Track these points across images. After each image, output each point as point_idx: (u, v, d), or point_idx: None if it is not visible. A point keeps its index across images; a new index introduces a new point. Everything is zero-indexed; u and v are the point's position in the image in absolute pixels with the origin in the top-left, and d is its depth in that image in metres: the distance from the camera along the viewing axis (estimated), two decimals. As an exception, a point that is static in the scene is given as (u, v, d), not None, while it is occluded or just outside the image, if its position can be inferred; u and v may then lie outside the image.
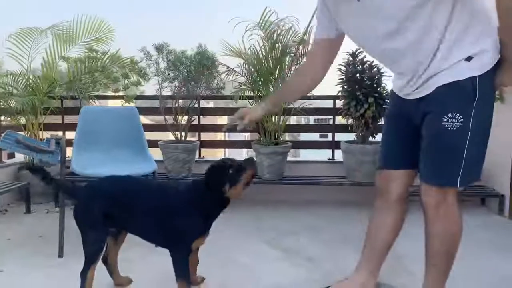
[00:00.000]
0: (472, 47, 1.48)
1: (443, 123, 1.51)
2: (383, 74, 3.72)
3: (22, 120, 4.07)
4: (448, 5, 1.44)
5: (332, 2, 1.66)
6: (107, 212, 1.83)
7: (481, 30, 1.48)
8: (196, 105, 4.20)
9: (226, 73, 4.13)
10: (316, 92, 4.18)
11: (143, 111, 4.54)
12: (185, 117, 4.10)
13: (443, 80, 1.51)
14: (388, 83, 3.75)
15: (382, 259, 1.93)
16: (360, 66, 3.75)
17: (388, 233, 1.89)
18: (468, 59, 1.47)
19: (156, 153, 3.41)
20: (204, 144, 4.45)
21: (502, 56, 1.50)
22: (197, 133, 4.47)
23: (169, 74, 3.96)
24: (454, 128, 1.50)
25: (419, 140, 1.66)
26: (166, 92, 4.09)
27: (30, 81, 4.05)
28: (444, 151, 1.56)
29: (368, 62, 3.74)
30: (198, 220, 1.85)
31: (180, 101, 4.10)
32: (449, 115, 1.50)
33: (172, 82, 4.00)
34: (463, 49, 1.48)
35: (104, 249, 1.92)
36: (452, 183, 1.57)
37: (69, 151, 3.03)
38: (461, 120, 1.49)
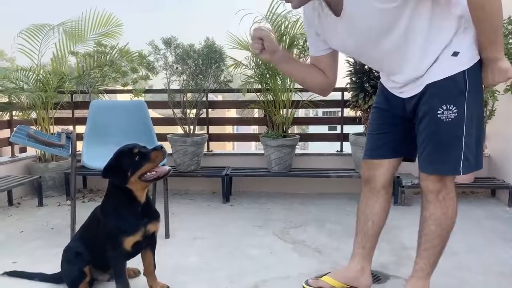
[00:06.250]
0: (457, 43, 1.51)
1: (438, 115, 1.55)
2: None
3: (33, 115, 4.14)
4: (427, 5, 1.47)
5: (317, 24, 1.69)
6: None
7: (461, 27, 1.52)
8: (204, 99, 4.22)
9: (233, 66, 4.14)
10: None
11: (152, 104, 4.58)
12: (194, 111, 4.12)
13: (434, 77, 1.55)
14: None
15: (374, 244, 1.97)
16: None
17: (378, 219, 1.93)
18: (455, 54, 1.51)
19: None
20: (213, 138, 4.47)
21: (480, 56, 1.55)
22: (205, 127, 4.50)
23: (177, 68, 3.98)
24: (450, 119, 1.54)
25: (407, 130, 1.73)
26: (175, 86, 4.11)
27: (41, 76, 4.10)
28: (443, 142, 1.59)
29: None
30: (118, 219, 1.80)
31: (189, 94, 4.11)
32: (444, 107, 1.54)
33: (180, 76, 4.02)
34: (449, 46, 1.51)
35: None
36: (454, 171, 1.61)
37: (79, 145, 3.06)
38: (455, 111, 1.53)
